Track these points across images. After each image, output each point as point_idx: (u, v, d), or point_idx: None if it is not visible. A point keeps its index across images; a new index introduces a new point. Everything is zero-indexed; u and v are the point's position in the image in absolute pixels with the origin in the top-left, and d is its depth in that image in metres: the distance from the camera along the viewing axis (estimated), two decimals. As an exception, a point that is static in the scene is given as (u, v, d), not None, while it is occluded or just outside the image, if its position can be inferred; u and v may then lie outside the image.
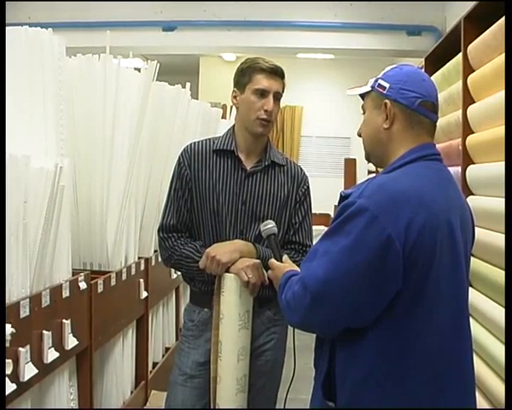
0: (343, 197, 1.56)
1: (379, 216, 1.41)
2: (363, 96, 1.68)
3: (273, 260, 1.91)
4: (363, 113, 1.67)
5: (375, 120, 1.61)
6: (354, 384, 1.49)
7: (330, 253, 1.47)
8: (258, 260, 2.07)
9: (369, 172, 8.06)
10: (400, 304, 1.44)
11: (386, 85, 1.58)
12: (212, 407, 2.08)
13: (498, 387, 2.33)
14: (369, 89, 1.63)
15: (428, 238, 1.44)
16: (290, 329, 2.25)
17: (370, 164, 1.93)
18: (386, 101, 1.57)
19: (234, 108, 2.26)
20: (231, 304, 2.03)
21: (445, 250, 1.48)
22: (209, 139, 2.23)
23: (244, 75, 2.14)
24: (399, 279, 1.42)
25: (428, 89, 1.60)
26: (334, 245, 1.47)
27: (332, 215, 1.86)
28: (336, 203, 1.61)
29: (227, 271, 2.05)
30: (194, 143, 2.21)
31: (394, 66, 1.65)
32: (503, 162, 2.27)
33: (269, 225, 2.02)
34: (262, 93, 2.10)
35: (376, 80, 1.62)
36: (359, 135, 1.69)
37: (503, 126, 2.31)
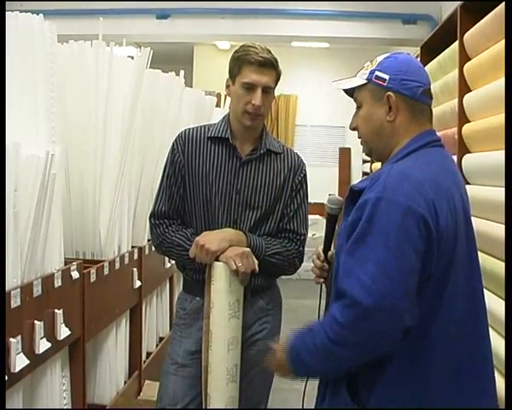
0: (355, 192, 1.51)
1: (411, 204, 1.37)
2: (351, 89, 1.62)
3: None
4: (359, 106, 1.60)
5: (376, 113, 1.55)
6: (384, 387, 1.43)
7: (371, 256, 1.36)
8: (247, 249, 2.04)
9: (364, 162, 8.06)
10: (428, 289, 1.41)
11: (386, 77, 1.52)
12: (203, 397, 2.07)
13: (497, 381, 2.23)
14: (364, 81, 1.56)
15: (451, 223, 1.42)
16: (284, 319, 2.24)
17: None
18: (390, 93, 1.52)
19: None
20: (221, 293, 2.01)
21: (462, 236, 1.46)
22: (204, 126, 2.19)
23: (235, 66, 2.08)
24: (433, 265, 1.39)
25: (425, 75, 1.58)
26: (371, 248, 1.37)
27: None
28: (343, 197, 1.54)
29: (217, 259, 2.02)
30: (189, 129, 2.18)
31: (387, 55, 1.59)
32: (499, 151, 2.26)
33: (334, 205, 1.76)
34: (250, 87, 2.04)
35: (372, 72, 1.55)
36: (353, 129, 1.63)
37: (500, 115, 2.29)
